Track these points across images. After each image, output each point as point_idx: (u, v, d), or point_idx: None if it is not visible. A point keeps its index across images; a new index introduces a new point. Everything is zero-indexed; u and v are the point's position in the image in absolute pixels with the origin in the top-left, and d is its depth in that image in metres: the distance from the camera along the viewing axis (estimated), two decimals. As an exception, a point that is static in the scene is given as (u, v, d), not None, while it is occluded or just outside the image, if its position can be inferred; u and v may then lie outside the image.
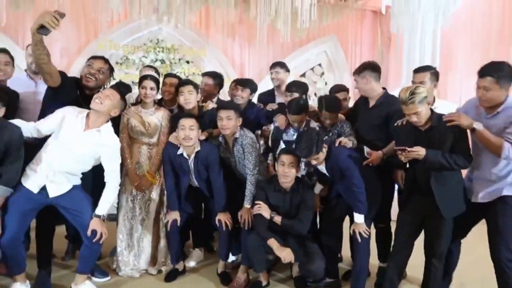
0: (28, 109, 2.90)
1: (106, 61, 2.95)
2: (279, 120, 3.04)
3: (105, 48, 6.16)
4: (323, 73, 7.10)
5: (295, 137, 2.82)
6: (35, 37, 2.45)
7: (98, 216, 2.56)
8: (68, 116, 2.55)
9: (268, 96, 3.77)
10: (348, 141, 2.71)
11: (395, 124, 2.55)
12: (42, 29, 2.41)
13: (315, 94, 6.74)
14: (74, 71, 5.20)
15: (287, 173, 2.65)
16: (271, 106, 3.49)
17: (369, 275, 2.82)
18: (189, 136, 2.76)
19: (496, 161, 2.30)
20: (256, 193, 2.82)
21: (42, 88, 2.92)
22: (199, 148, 2.86)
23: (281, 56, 6.89)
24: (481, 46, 5.18)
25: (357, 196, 2.51)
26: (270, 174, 3.00)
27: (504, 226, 2.31)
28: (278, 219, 2.65)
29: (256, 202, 2.71)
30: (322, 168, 2.68)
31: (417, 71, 2.85)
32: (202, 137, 2.92)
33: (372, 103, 2.89)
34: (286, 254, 2.59)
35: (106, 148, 2.60)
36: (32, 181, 2.49)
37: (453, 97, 5.81)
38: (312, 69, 7.14)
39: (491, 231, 2.41)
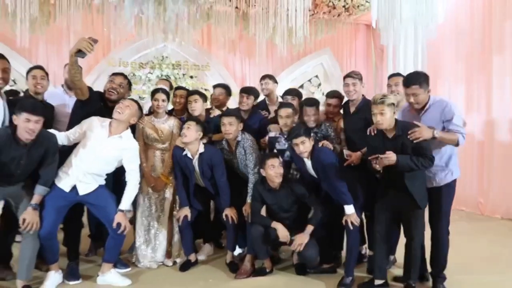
0: (61, 121, 3.23)
1: (125, 77, 3.32)
2: (273, 128, 3.36)
3: (114, 65, 6.54)
4: (320, 84, 7.47)
5: (286, 145, 3.17)
6: (72, 59, 2.81)
7: (122, 211, 2.88)
8: (93, 126, 2.87)
9: (261, 106, 4.07)
10: (330, 144, 3.05)
11: (367, 132, 2.84)
12: (79, 53, 2.77)
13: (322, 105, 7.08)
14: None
15: (278, 173, 2.96)
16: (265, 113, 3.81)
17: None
18: (185, 134, 3.05)
19: (439, 152, 2.73)
20: (252, 194, 3.11)
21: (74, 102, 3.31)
22: (202, 150, 3.16)
23: (280, 68, 7.27)
24: (465, 56, 5.55)
25: (340, 189, 2.83)
26: None
27: (447, 206, 2.76)
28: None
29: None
30: (309, 167, 2.97)
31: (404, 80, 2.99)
32: (204, 141, 3.26)
33: (352, 109, 3.27)
34: (283, 235, 2.91)
35: (127, 151, 2.89)
36: (64, 182, 2.80)
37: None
38: (309, 80, 7.51)
39: (433, 212, 2.79)
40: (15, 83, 6.08)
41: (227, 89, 3.93)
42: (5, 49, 5.92)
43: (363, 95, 3.27)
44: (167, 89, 3.69)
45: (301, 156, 2.91)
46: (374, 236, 2.80)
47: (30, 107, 2.59)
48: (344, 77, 3.35)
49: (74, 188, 2.81)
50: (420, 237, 2.71)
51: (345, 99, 3.39)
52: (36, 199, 2.68)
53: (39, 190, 2.69)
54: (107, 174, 2.94)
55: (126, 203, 2.89)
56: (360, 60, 7.67)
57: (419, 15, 4.25)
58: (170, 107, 3.67)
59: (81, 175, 2.80)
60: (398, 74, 3.54)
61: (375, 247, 2.82)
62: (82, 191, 2.82)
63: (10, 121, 2.70)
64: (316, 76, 7.50)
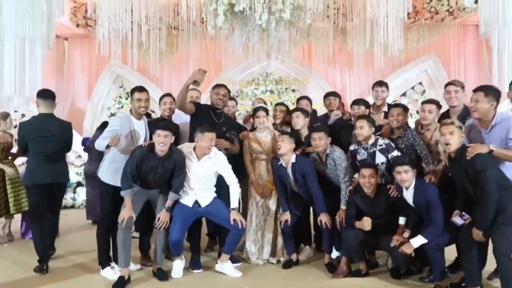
0: (185, 137, 3.88)
1: (226, 87, 3.94)
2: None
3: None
4: (424, 91, 7.24)
5: (365, 156, 3.35)
6: (187, 87, 3.56)
7: (233, 209, 3.41)
8: (187, 154, 3.40)
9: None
10: (434, 179, 3.11)
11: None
12: (195, 83, 3.58)
13: (417, 112, 6.90)
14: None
15: (368, 182, 3.15)
16: None
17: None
18: (280, 145, 3.46)
19: None
20: (347, 201, 3.36)
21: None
22: (294, 160, 3.53)
23: (380, 77, 7.11)
24: None
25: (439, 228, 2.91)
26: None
27: None
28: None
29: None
30: (408, 197, 3.05)
31: None
32: (297, 152, 3.60)
33: (453, 117, 3.28)
34: (365, 223, 3.13)
35: (218, 165, 3.42)
36: (186, 199, 3.46)
37: None
38: (413, 88, 7.32)
39: None
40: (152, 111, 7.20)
41: (310, 100, 4.39)
42: (140, 78, 7.10)
43: (464, 104, 3.28)
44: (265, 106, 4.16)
45: (400, 184, 3.06)
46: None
47: (161, 125, 3.30)
48: (446, 85, 3.43)
49: (196, 202, 3.45)
50: None
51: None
52: (169, 203, 3.36)
53: (171, 196, 3.38)
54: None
55: (234, 201, 3.45)
56: (469, 63, 7.22)
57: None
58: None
59: (197, 192, 3.44)
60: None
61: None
62: (203, 203, 3.46)
63: (150, 137, 3.44)
64: (420, 83, 7.29)
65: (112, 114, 7.30)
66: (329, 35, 6.25)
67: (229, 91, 3.99)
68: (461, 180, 2.76)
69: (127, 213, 3.21)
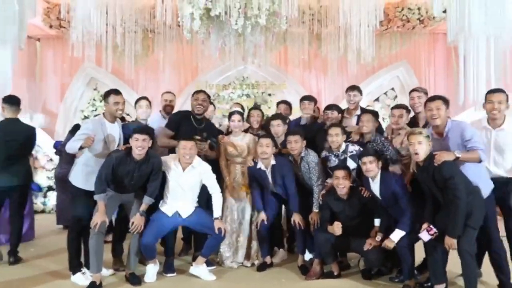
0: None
1: (205, 93, 3.97)
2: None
3: (201, 88, 7.26)
4: (396, 97, 7.44)
5: (337, 162, 3.43)
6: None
7: (217, 218, 3.38)
8: (168, 166, 3.38)
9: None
10: (398, 170, 3.24)
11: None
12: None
13: (389, 117, 7.08)
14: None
15: (342, 184, 3.21)
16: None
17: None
18: (265, 151, 3.47)
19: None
20: (322, 203, 3.41)
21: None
22: (274, 162, 3.57)
23: (354, 83, 7.18)
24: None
25: (405, 216, 3.02)
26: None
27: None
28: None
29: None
30: (375, 189, 3.15)
31: (494, 91, 3.04)
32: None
33: (421, 123, 3.55)
34: (335, 227, 3.19)
35: (202, 174, 3.43)
36: (166, 209, 3.43)
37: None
38: (385, 93, 7.52)
39: None
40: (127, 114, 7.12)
41: (289, 105, 4.49)
42: (115, 80, 7.01)
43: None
44: (241, 110, 4.20)
45: (366, 175, 3.15)
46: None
47: (139, 129, 3.28)
48: (410, 92, 3.57)
49: (176, 212, 3.43)
50: None
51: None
52: (143, 207, 3.34)
53: (146, 200, 3.35)
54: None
55: (218, 210, 3.44)
56: (439, 70, 7.49)
57: (490, 25, 4.21)
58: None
59: (179, 204, 3.44)
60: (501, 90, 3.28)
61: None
62: (184, 214, 3.45)
63: (124, 142, 3.42)
64: (392, 89, 7.49)
65: (86, 117, 7.16)
66: (305, 40, 6.35)
67: (208, 96, 4.01)
68: (429, 186, 2.85)
69: (100, 217, 3.17)
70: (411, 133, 2.89)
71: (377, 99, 7.50)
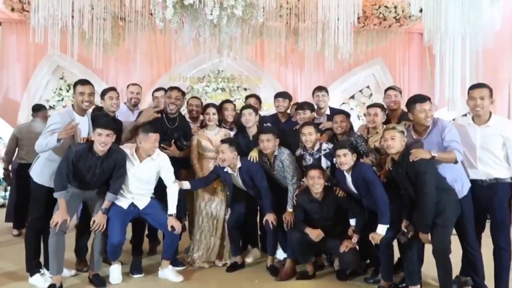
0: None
1: (179, 89, 3.72)
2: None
3: (174, 80, 7.06)
4: (371, 95, 7.47)
5: (311, 161, 3.34)
6: (138, 126, 3.36)
7: (171, 215, 3.21)
8: (127, 156, 3.18)
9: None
10: (369, 160, 3.17)
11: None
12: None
13: (364, 115, 7.09)
14: (148, 101, 6.05)
15: (318, 184, 3.12)
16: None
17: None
18: (223, 158, 3.31)
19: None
20: (296, 203, 3.32)
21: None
22: (240, 165, 3.37)
23: (330, 79, 7.37)
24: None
25: (380, 207, 2.90)
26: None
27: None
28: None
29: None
30: (349, 182, 3.08)
31: (475, 87, 2.92)
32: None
33: (394, 121, 3.55)
34: (316, 234, 3.10)
35: (161, 167, 3.25)
36: (122, 201, 3.23)
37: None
38: (361, 91, 7.53)
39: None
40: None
41: (259, 99, 4.36)
42: (83, 69, 6.69)
43: (402, 109, 3.40)
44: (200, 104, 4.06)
45: (340, 168, 3.07)
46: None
47: (103, 123, 3.04)
48: (386, 90, 3.57)
49: (132, 204, 3.25)
50: None
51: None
52: (106, 204, 3.14)
53: (109, 197, 3.15)
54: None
55: (172, 207, 3.28)
56: (413, 69, 7.59)
57: (466, 25, 4.22)
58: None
59: (135, 196, 3.26)
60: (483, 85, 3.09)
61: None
62: (141, 206, 3.28)
63: None
64: (368, 87, 7.52)
65: (51, 107, 6.82)
66: (282, 35, 6.23)
67: (183, 94, 3.79)
68: (403, 183, 2.82)
69: (60, 216, 2.95)
70: (385, 128, 2.91)
71: (352, 97, 7.50)
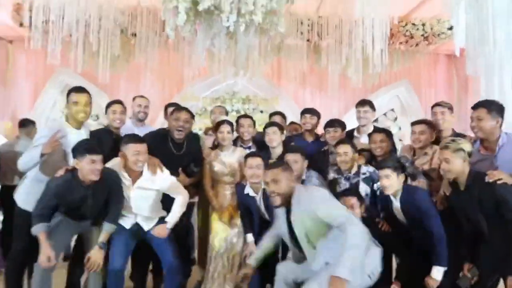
0: None
1: (188, 111, 3.24)
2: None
3: (187, 100, 6.70)
4: (396, 118, 7.02)
5: (347, 186, 2.92)
6: None
7: (165, 223, 2.78)
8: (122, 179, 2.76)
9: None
10: (424, 183, 2.68)
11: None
12: None
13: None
14: (160, 122, 5.71)
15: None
16: None
17: None
18: (257, 174, 2.80)
19: None
20: None
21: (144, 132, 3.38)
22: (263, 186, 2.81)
23: (352, 101, 6.90)
24: None
25: (437, 241, 2.38)
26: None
27: None
28: None
29: None
30: (396, 207, 2.59)
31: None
32: None
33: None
34: None
35: (161, 185, 2.82)
36: (125, 221, 2.79)
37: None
38: (385, 114, 7.10)
39: None
40: (98, 118, 6.49)
41: (284, 117, 4.04)
42: (91, 88, 6.35)
43: (453, 128, 2.90)
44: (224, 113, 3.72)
45: (384, 192, 2.56)
46: None
47: (93, 148, 2.57)
48: (432, 107, 3.11)
49: (135, 224, 2.79)
50: None
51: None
52: (103, 237, 2.65)
53: (107, 228, 2.67)
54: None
55: (172, 217, 2.81)
56: (440, 92, 7.13)
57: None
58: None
59: (138, 218, 2.83)
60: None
61: None
62: (146, 227, 2.82)
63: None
64: (392, 110, 7.07)
65: (58, 127, 6.53)
66: (302, 52, 5.87)
67: (192, 116, 3.32)
68: (470, 215, 2.28)
69: (44, 254, 2.45)
70: (439, 148, 2.40)
71: (375, 120, 7.03)
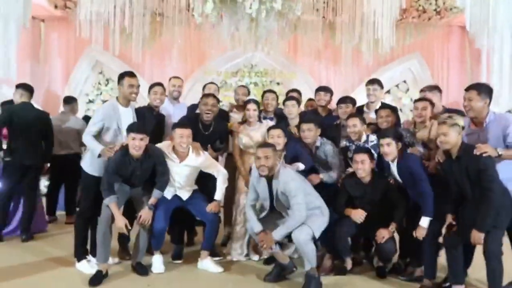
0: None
1: (214, 96, 3.75)
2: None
3: (209, 74, 7.10)
4: (408, 89, 7.29)
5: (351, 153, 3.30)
6: None
7: (216, 200, 3.36)
8: (166, 155, 3.29)
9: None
10: (417, 150, 3.12)
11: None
12: None
13: (401, 110, 6.90)
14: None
15: (363, 168, 3.06)
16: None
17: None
18: (278, 142, 3.24)
19: None
20: (340, 186, 3.29)
21: (178, 112, 3.95)
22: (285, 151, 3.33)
23: (366, 74, 7.19)
24: None
25: (425, 199, 2.85)
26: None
27: None
28: None
29: None
30: (394, 170, 3.05)
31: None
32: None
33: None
34: (358, 214, 3.06)
35: (202, 163, 3.39)
36: (166, 192, 3.30)
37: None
38: (397, 86, 7.35)
39: None
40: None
41: (300, 93, 4.37)
42: (121, 64, 6.83)
43: (443, 106, 3.33)
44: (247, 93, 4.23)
45: (385, 158, 3.03)
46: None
47: (136, 128, 3.10)
48: (420, 91, 3.57)
49: (175, 195, 3.39)
50: None
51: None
52: (152, 200, 3.21)
53: (155, 194, 3.23)
54: None
55: (219, 194, 3.41)
56: (453, 64, 7.29)
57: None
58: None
59: (177, 189, 3.41)
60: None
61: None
62: (184, 197, 3.41)
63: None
64: (404, 81, 7.33)
65: (91, 101, 7.10)
66: (317, 29, 6.16)
67: (218, 100, 3.84)
68: (458, 179, 2.71)
69: (121, 222, 3.09)
70: (438, 122, 2.77)
71: (388, 92, 7.33)
